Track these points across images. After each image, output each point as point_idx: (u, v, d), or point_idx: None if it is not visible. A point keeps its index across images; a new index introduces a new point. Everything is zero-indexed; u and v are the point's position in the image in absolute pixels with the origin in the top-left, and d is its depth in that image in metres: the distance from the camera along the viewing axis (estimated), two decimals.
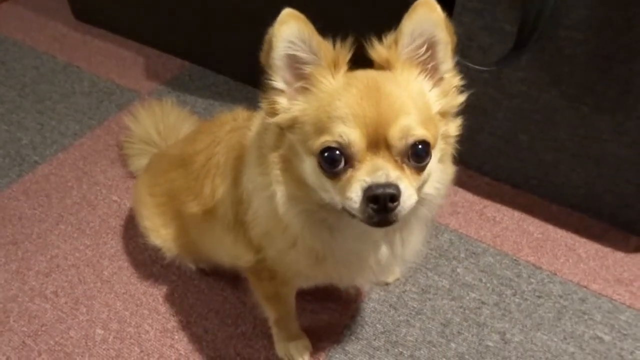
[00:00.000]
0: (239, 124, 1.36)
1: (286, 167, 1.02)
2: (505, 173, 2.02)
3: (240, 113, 1.46)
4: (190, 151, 1.46)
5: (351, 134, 0.90)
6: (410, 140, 0.91)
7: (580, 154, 1.81)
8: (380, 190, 0.87)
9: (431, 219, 1.18)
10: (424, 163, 0.95)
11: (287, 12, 0.92)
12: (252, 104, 1.47)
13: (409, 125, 0.91)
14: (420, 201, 0.99)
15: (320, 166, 0.93)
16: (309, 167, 0.97)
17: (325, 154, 0.91)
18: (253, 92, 2.46)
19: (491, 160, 2.01)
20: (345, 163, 0.91)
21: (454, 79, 1.02)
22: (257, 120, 1.19)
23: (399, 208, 0.89)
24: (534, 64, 1.70)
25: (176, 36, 2.61)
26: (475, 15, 1.70)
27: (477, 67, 1.59)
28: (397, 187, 0.88)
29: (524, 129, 1.86)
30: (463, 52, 1.76)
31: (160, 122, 1.91)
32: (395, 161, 0.92)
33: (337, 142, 0.90)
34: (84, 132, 2.27)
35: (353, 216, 0.95)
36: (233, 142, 1.30)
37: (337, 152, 0.91)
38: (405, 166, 0.93)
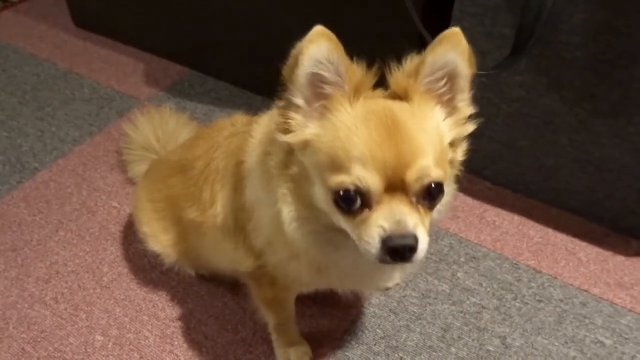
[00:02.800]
0: (238, 129, 1.36)
1: (294, 187, 1.01)
2: (505, 178, 2.02)
3: (238, 118, 1.45)
4: (189, 157, 1.46)
5: (369, 179, 0.88)
6: (426, 181, 0.90)
7: (581, 158, 1.81)
8: (399, 242, 0.88)
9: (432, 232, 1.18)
10: (437, 201, 0.96)
11: (318, 31, 0.89)
12: (252, 110, 1.48)
13: (426, 167, 0.90)
14: None
15: (336, 202, 0.93)
16: (321, 194, 0.96)
17: (342, 193, 0.91)
18: (252, 98, 2.47)
19: (491, 164, 2.01)
20: (362, 204, 0.91)
21: (467, 109, 1.01)
22: (259, 126, 1.17)
23: (415, 256, 0.90)
24: (533, 69, 1.70)
25: (176, 42, 2.62)
26: (475, 20, 1.70)
27: (475, 71, 1.59)
28: (415, 237, 0.88)
29: (523, 133, 1.86)
30: None
31: (159, 128, 1.91)
32: (411, 202, 0.91)
33: (354, 184, 0.89)
34: (83, 139, 2.27)
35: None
36: (232, 147, 1.30)
37: (354, 193, 0.90)
38: (420, 206, 0.93)
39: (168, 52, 2.70)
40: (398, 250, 0.88)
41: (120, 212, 1.96)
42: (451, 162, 1.02)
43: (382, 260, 0.91)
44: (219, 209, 1.31)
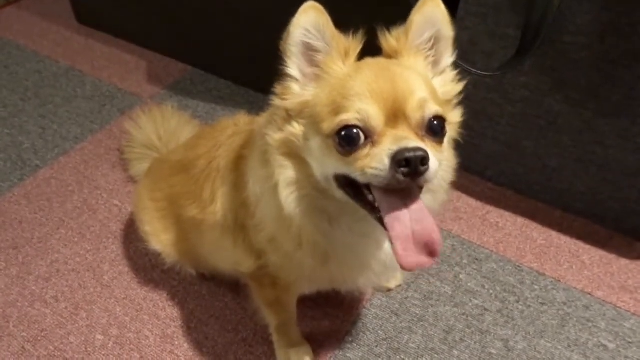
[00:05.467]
0: (240, 129, 1.36)
1: (288, 150, 1.03)
2: (508, 179, 2.00)
3: (241, 118, 1.46)
4: (192, 156, 1.45)
5: (369, 109, 0.91)
6: (427, 113, 0.93)
7: (584, 159, 1.79)
8: (411, 154, 0.86)
9: (435, 212, 1.17)
10: (441, 136, 0.97)
11: (308, 4, 0.96)
12: (253, 108, 1.47)
13: (425, 98, 0.93)
14: (425, 188, 1.00)
15: (338, 145, 0.93)
16: (319, 146, 0.97)
17: (343, 133, 0.92)
18: (255, 97, 2.46)
19: (494, 165, 2.00)
20: (365, 139, 0.92)
21: (452, 73, 1.08)
22: (259, 123, 1.18)
23: (427, 173, 0.88)
24: (537, 69, 1.69)
25: (178, 40, 2.62)
26: (479, 20, 1.69)
27: (480, 72, 1.58)
28: (425, 151, 0.87)
29: (527, 134, 1.84)
30: (466, 57, 1.76)
31: (161, 127, 1.91)
32: (416, 134, 0.93)
33: (355, 118, 0.91)
34: (85, 136, 2.26)
35: (363, 193, 0.95)
36: (235, 146, 1.30)
37: (356, 129, 0.91)
38: (425, 140, 0.94)
39: (170, 50, 2.69)
40: (410, 162, 0.86)
41: (121, 210, 1.95)
42: (448, 123, 1.03)
43: (394, 181, 0.88)
44: (218, 207, 1.31)
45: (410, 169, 0.87)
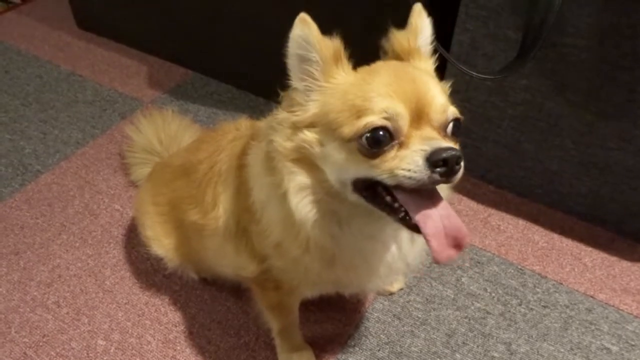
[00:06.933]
0: (242, 133, 1.36)
1: (299, 157, 1.02)
2: (509, 181, 2.00)
3: (242, 122, 1.45)
4: (193, 160, 1.45)
5: (397, 107, 0.91)
6: (450, 116, 0.95)
7: (586, 162, 1.79)
8: (449, 153, 0.87)
9: None
10: (458, 136, 0.99)
11: (299, 17, 0.97)
12: (255, 113, 1.48)
13: (446, 103, 0.95)
14: None
15: (364, 146, 0.92)
16: (334, 150, 0.96)
17: (369, 135, 0.91)
18: (256, 101, 2.46)
19: (496, 168, 2.00)
20: (392, 140, 0.92)
21: None
22: (261, 128, 1.18)
23: (459, 172, 0.90)
24: (538, 72, 1.69)
25: (179, 44, 2.62)
26: (480, 22, 1.69)
27: (481, 75, 1.59)
28: (459, 150, 0.88)
29: (528, 137, 1.84)
30: (467, 60, 1.76)
31: (162, 131, 1.91)
32: (439, 133, 0.94)
33: (383, 118, 0.91)
34: (86, 141, 2.27)
35: (389, 192, 0.95)
36: (236, 151, 1.30)
37: (382, 130, 0.91)
38: (446, 139, 0.95)
39: (171, 54, 2.69)
40: (448, 161, 0.87)
41: (122, 215, 1.95)
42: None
43: (429, 182, 0.89)
44: (220, 212, 1.30)
45: (447, 169, 0.87)
